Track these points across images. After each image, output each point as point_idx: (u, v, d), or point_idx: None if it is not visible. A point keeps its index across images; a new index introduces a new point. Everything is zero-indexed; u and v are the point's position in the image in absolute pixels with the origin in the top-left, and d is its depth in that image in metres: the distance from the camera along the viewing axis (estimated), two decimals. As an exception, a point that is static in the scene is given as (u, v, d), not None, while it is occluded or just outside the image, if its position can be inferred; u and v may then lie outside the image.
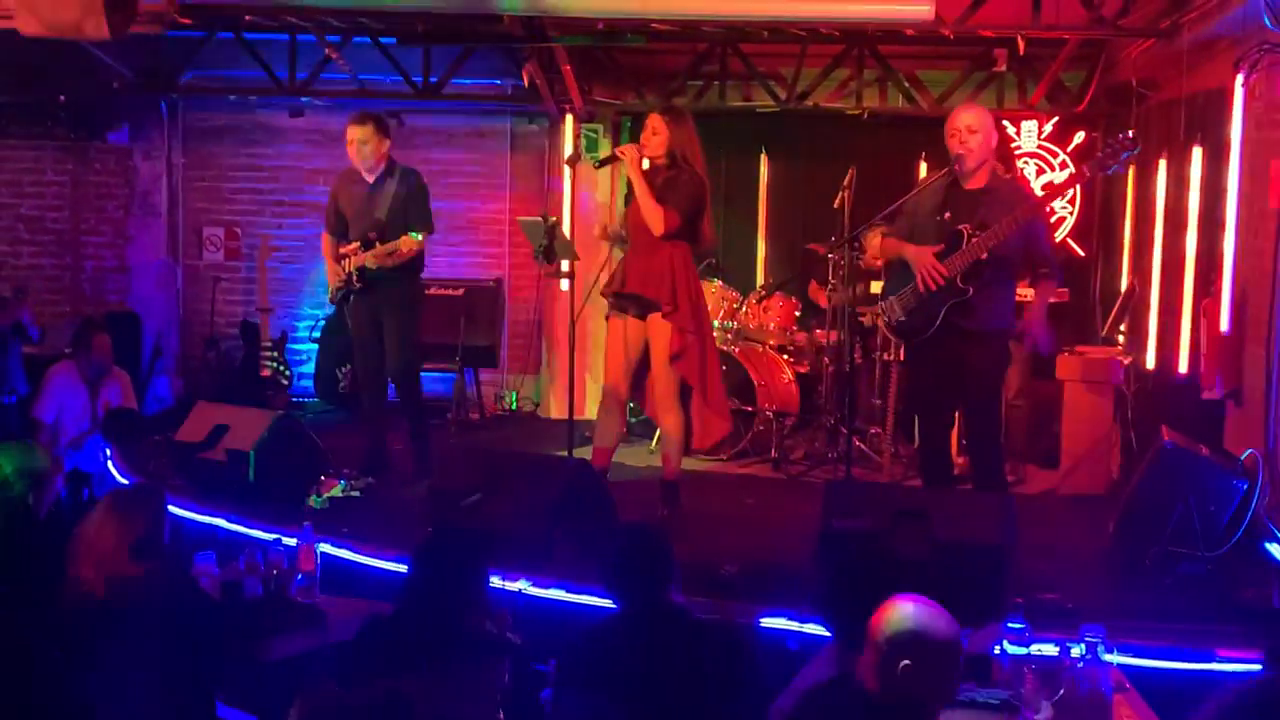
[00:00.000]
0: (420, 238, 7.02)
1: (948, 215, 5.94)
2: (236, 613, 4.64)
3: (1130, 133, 5.81)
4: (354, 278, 7.22)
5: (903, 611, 3.23)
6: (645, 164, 6.49)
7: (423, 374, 7.72)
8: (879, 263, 7.92)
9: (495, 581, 5.34)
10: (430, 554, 4.02)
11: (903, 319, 6.08)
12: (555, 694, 3.83)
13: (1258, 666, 4.53)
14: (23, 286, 10.19)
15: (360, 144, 7.18)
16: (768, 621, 5.03)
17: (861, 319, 8.37)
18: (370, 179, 7.26)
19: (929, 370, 6.17)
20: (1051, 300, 6.19)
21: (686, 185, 6.43)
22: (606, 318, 6.78)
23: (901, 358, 8.21)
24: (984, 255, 5.77)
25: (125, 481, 7.22)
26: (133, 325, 10.24)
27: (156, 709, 3.91)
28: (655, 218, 6.37)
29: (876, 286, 8.34)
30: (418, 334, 7.53)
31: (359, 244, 7.17)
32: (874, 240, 7.87)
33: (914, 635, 3.17)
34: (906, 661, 3.12)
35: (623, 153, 6.53)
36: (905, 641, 3.16)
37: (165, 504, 4.28)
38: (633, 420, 8.28)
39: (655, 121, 6.47)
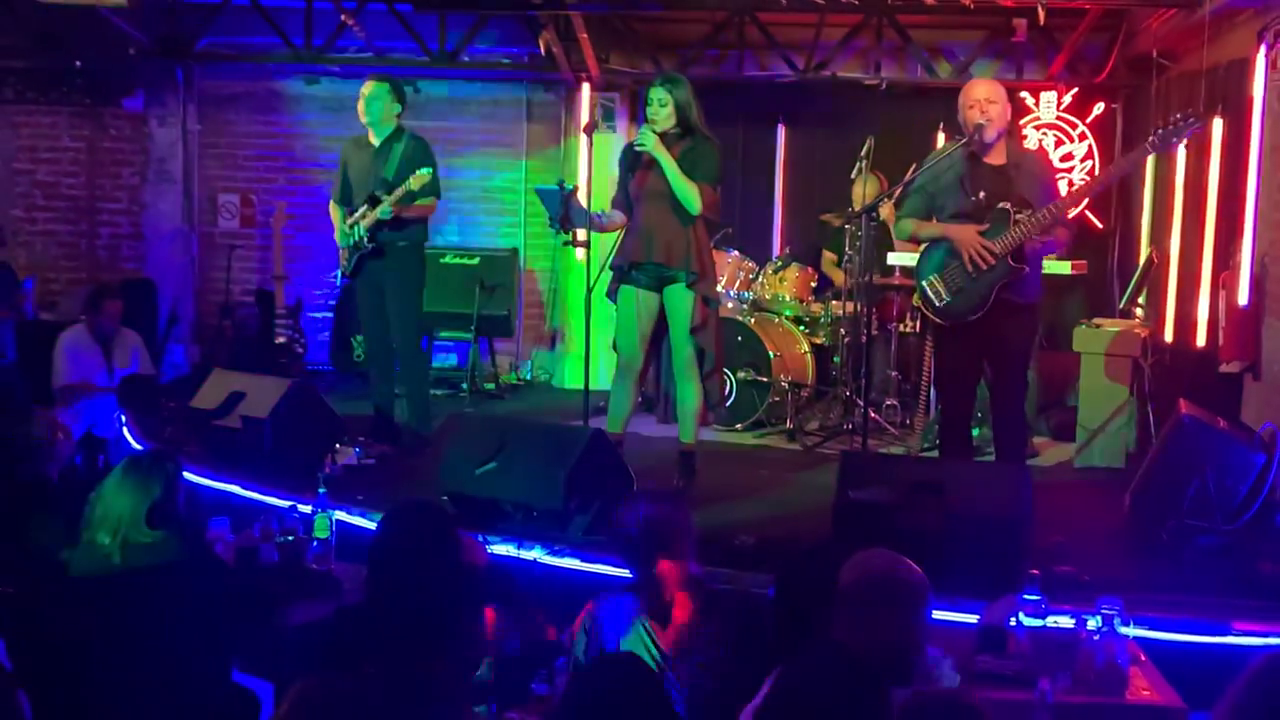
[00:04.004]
0: (430, 172, 7.04)
1: (982, 195, 5.88)
2: (252, 579, 4.66)
3: (1200, 110, 5.81)
4: (364, 239, 7.23)
5: (869, 560, 3.32)
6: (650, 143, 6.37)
7: (437, 343, 7.70)
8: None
9: (510, 550, 5.35)
10: (390, 536, 3.71)
11: (949, 300, 6.01)
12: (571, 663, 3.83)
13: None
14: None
15: (368, 99, 7.26)
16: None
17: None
18: (376, 142, 7.31)
19: (969, 346, 6.05)
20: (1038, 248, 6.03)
21: (707, 155, 6.41)
22: (610, 289, 6.66)
23: (919, 330, 8.19)
24: (1034, 236, 5.74)
25: (141, 448, 7.23)
26: (148, 292, 10.24)
27: (172, 675, 3.92)
28: (693, 197, 6.33)
29: (894, 258, 8.29)
30: (419, 304, 7.53)
31: (366, 205, 7.20)
32: (884, 210, 7.82)
33: (883, 579, 3.20)
34: (880, 608, 3.14)
35: (643, 146, 6.37)
36: (875, 587, 3.18)
37: (181, 470, 4.28)
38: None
39: (659, 93, 6.41)
